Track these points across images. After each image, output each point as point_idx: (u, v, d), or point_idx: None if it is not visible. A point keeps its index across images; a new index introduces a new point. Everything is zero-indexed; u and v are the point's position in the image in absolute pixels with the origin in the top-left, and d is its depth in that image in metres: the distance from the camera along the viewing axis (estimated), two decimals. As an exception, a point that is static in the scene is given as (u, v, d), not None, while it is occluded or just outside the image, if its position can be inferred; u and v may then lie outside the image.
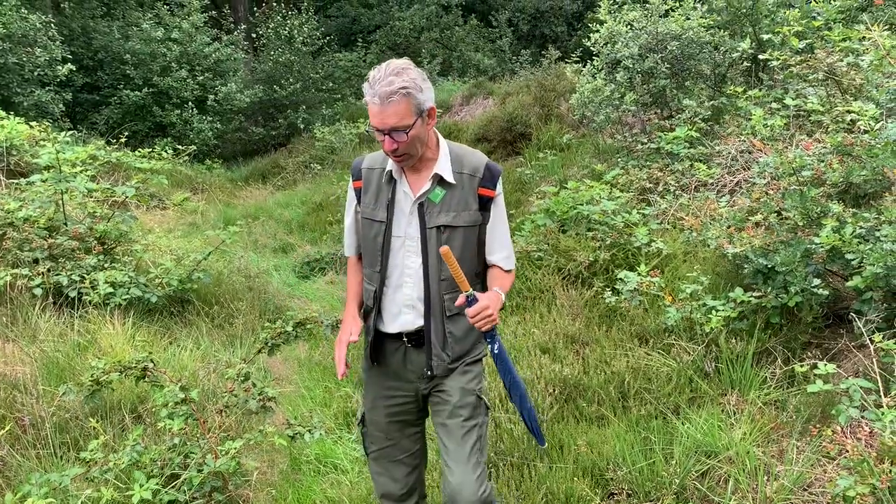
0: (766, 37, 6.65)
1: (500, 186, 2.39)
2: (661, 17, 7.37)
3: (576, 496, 3.03)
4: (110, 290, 4.87)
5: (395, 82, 2.13)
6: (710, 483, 3.09)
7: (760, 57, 6.26)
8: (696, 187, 5.88)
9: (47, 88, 11.26)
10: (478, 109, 13.00)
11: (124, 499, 2.69)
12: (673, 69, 7.21)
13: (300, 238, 9.10)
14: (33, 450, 3.13)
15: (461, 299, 2.21)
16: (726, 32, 7.30)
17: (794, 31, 6.13)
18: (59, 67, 11.07)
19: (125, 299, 4.93)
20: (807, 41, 6.19)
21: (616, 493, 3.11)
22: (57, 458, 3.15)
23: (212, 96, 13.74)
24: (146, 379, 3.39)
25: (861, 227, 3.68)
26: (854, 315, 3.55)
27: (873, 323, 3.46)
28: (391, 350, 2.44)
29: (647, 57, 7.04)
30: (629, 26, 7.44)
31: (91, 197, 5.93)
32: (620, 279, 4.27)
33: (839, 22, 7.06)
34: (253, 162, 14.22)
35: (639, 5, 7.59)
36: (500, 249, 2.44)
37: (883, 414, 2.58)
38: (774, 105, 5.60)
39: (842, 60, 5.39)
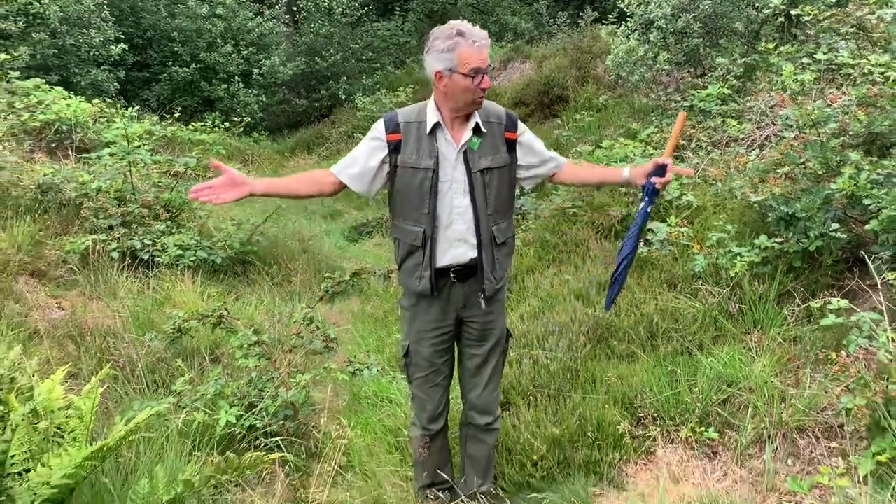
0: (797, -8, 6.74)
1: (521, 126, 2.76)
2: (694, -25, 7.49)
3: (607, 421, 3.37)
4: (179, 252, 5.34)
5: (482, 32, 2.52)
6: (730, 409, 3.40)
7: (793, 12, 6.37)
8: (727, 143, 6.08)
9: (102, 68, 11.79)
10: (515, 74, 13.17)
11: (212, 422, 3.11)
12: (706, 28, 7.34)
13: (346, 205, 9.52)
14: (129, 385, 3.59)
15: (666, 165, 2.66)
16: (760, -11, 7.38)
17: (827, -15, 6.22)
18: (113, 47, 11.57)
19: (193, 261, 5.40)
20: (839, -5, 6.28)
21: (643, 419, 3.44)
22: (150, 392, 3.60)
23: (256, 70, 14.15)
24: (221, 326, 3.82)
25: (879, 174, 3.89)
26: (870, 256, 3.78)
27: (887, 263, 3.70)
28: (439, 286, 2.74)
29: (679, 17, 7.19)
30: (662, -14, 7.57)
31: (155, 168, 6.40)
32: (651, 230, 4.55)
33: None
34: (297, 133, 14.65)
35: (672, -35, 7.70)
36: (551, 158, 2.85)
37: (880, 336, 2.85)
38: (805, 60, 5.74)
39: (872, 13, 5.51)
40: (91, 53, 11.46)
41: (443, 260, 2.70)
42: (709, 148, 6.10)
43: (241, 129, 10.10)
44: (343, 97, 14.96)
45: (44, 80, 8.54)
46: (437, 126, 2.64)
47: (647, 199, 2.77)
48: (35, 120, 7.47)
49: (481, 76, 2.51)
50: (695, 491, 3.07)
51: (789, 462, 3.14)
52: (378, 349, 4.68)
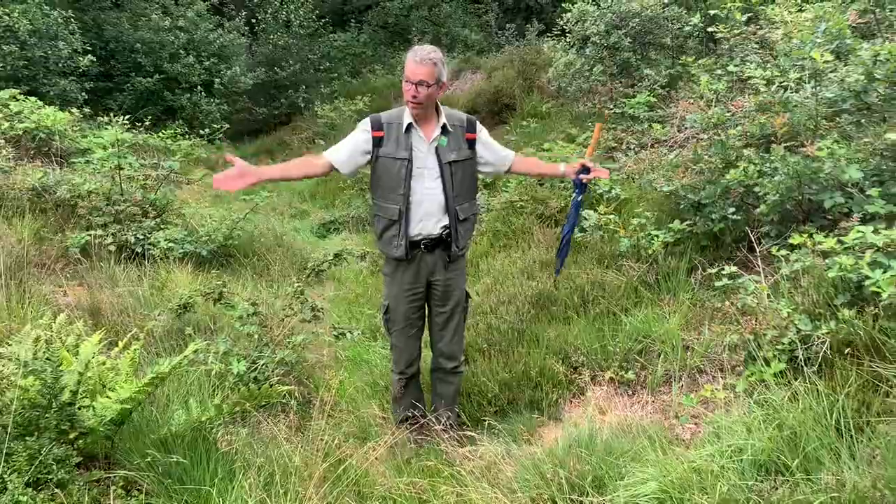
0: (713, 12, 7.68)
1: (479, 127, 3.52)
2: (625, -4, 8.41)
3: (547, 368, 4.15)
4: (171, 245, 5.97)
5: (430, 52, 3.20)
6: (646, 356, 4.21)
7: (709, 29, 7.31)
8: (652, 144, 6.96)
9: (70, 78, 12.21)
10: (466, 84, 14.01)
11: (226, 371, 3.79)
12: (636, 43, 8.25)
13: (312, 205, 10.19)
14: (150, 350, 4.23)
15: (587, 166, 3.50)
16: (681, 8, 8.33)
17: (737, 5, 7.16)
18: (81, 59, 12.01)
19: (182, 253, 6.03)
20: (748, 14, 7.22)
21: (576, 366, 4.24)
22: (167, 355, 4.24)
23: (218, 80, 14.70)
24: (222, 301, 4.49)
25: (767, 167, 4.77)
26: (760, 234, 4.65)
27: (773, 239, 4.58)
28: (412, 253, 3.44)
29: (612, 33, 8.08)
30: (597, 6, 8.46)
31: (141, 172, 7.00)
32: (584, 217, 5.37)
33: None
34: (258, 140, 15.22)
35: (605, -14, 8.61)
36: (504, 152, 3.63)
37: (748, 286, 3.71)
38: (719, 72, 6.65)
39: (770, 32, 6.46)
40: (59, 65, 11.88)
41: (414, 231, 3.38)
42: (637, 149, 6.97)
43: (206, 138, 10.66)
44: (302, 105, 15.59)
45: (18, 91, 9.03)
46: (410, 126, 3.34)
47: (577, 190, 3.56)
48: (14, 129, 7.99)
49: (410, 84, 3.19)
50: (616, 419, 3.86)
51: (692, 395, 3.95)
52: (354, 322, 5.39)
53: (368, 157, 3.38)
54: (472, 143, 3.48)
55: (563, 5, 9.79)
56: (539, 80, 11.40)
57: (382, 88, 15.87)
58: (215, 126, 9.12)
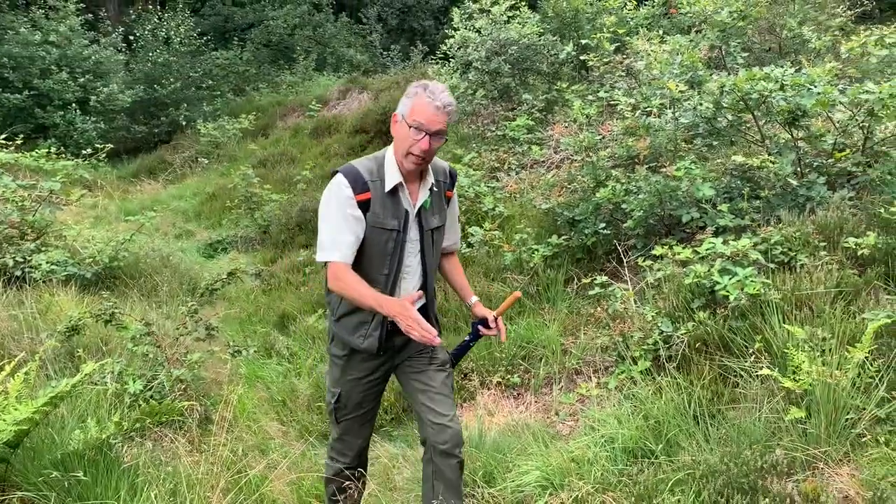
0: (584, 41, 8.28)
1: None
2: (503, 24, 8.89)
3: (439, 375, 4.39)
4: (53, 267, 5.81)
5: (451, 98, 2.53)
6: (529, 361, 4.54)
7: (582, 57, 7.87)
8: (532, 165, 7.41)
9: (-71, 94, 11.49)
10: (354, 103, 14.19)
11: (122, 391, 3.80)
12: (515, 69, 8.73)
13: (197, 225, 10.05)
14: (39, 373, 4.15)
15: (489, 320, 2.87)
16: (556, 37, 8.90)
17: (606, 37, 7.76)
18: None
19: (65, 275, 5.88)
20: (616, 45, 7.84)
21: (467, 373, 4.51)
22: (58, 378, 4.18)
23: (94, 97, 14.17)
24: (113, 322, 4.47)
25: (632, 186, 5.25)
26: (628, 247, 5.12)
27: (639, 251, 5.05)
28: (386, 346, 2.73)
29: (492, 59, 8.53)
30: (478, 33, 8.90)
31: (18, 193, 6.75)
32: (471, 233, 5.69)
33: (645, 27, 8.83)
34: (138, 159, 14.75)
35: (485, 15, 9.07)
36: (456, 233, 2.96)
37: (616, 290, 4.11)
38: (591, 97, 7.19)
39: (635, 62, 7.05)
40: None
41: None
42: (517, 169, 7.40)
43: (79, 156, 10.29)
44: (184, 123, 15.25)
45: None
46: (399, 186, 2.60)
47: (471, 335, 3.03)
48: None
49: (423, 135, 2.47)
50: (504, 419, 4.15)
51: (570, 394, 4.31)
52: (247, 341, 5.45)
53: (363, 230, 2.60)
54: (447, 202, 2.83)
55: (446, 30, 10.21)
56: (424, 101, 11.74)
57: (267, 107, 15.78)
58: (98, 146, 8.82)
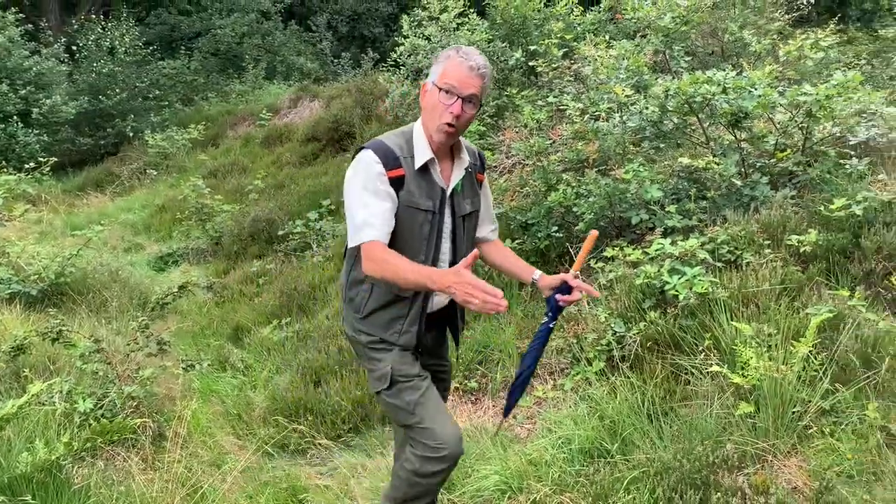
0: (532, 47, 8.37)
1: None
2: (453, 31, 8.92)
3: (396, 383, 4.39)
4: (-5, 285, 5.65)
5: (484, 61, 2.27)
6: (486, 366, 4.57)
7: (531, 63, 7.95)
8: (484, 170, 7.45)
9: None
10: (305, 111, 14.09)
11: (71, 410, 3.70)
12: (465, 75, 8.77)
13: (147, 238, 9.86)
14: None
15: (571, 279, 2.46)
16: (505, 44, 8.97)
17: (554, 42, 7.85)
18: None
19: (9, 293, 5.72)
20: (564, 50, 7.94)
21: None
22: (3, 399, 4.05)
23: (36, 109, 13.82)
24: (61, 339, 4.36)
25: (583, 189, 5.32)
26: (579, 249, 5.18)
27: (591, 253, 5.11)
28: (425, 340, 2.52)
29: (443, 66, 8.55)
30: (427, 40, 8.93)
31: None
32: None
33: (591, 32, 8.97)
34: (84, 172, 14.41)
35: (434, 22, 9.10)
36: (493, 221, 2.67)
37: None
38: (541, 103, 7.27)
39: (583, 67, 7.16)
40: None
41: (431, 308, 2.46)
42: (471, 174, 7.43)
43: (27, 171, 10.02)
44: (131, 135, 14.96)
45: None
46: (428, 163, 2.35)
47: (550, 314, 2.54)
48: None
49: (455, 98, 2.22)
50: (462, 424, 4.16)
51: (527, 397, 4.33)
52: (201, 355, 5.36)
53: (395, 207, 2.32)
54: (479, 187, 2.57)
55: (396, 38, 10.20)
56: (377, 108, 11.73)
57: (217, 116, 15.58)
58: (41, 159, 8.61)
